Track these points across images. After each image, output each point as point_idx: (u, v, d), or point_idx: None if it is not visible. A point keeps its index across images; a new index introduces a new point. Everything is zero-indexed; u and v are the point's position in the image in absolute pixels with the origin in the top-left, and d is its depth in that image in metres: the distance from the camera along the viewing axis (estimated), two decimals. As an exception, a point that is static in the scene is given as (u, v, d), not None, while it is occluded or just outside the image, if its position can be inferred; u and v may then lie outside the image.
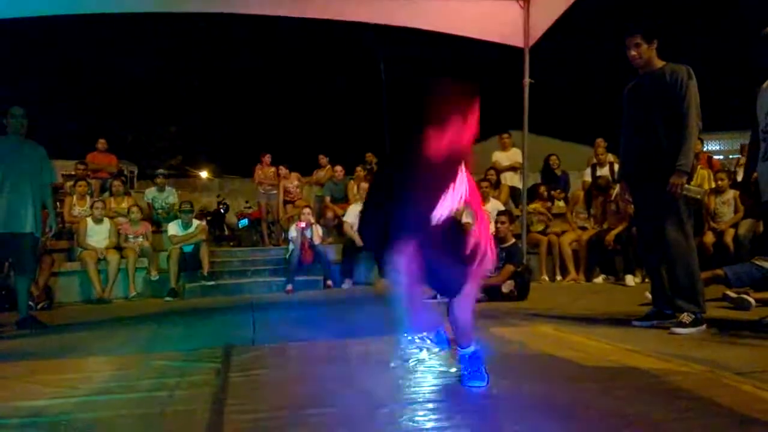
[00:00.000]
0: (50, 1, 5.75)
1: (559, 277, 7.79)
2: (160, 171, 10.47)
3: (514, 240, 6.25)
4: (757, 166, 3.89)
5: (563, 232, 8.04)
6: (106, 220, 7.88)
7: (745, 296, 4.73)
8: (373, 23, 6.57)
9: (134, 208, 8.19)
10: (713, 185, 7.66)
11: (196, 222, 8.20)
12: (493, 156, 9.58)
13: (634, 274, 7.13)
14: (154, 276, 7.75)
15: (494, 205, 7.65)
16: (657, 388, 2.42)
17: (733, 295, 4.75)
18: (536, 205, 8.45)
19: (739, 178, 7.66)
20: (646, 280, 5.68)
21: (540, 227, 8.25)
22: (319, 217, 9.33)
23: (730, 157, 16.85)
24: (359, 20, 6.47)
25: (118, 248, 7.74)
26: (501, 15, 6.36)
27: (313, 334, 4.20)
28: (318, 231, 8.19)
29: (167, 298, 7.24)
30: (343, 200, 9.68)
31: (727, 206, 7.32)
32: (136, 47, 31.79)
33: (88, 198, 8.58)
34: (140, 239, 7.96)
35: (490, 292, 5.78)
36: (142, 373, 3.02)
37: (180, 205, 8.40)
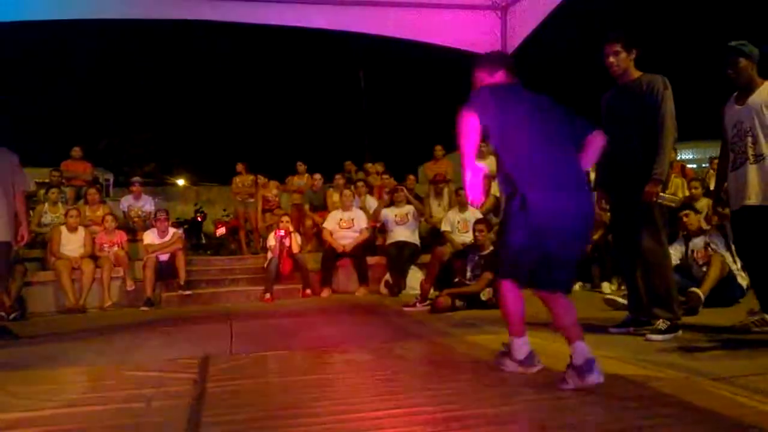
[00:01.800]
0: (33, 7, 5.67)
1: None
2: (136, 179, 10.34)
3: (492, 248, 6.28)
4: (727, 176, 3.94)
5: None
6: (81, 229, 7.75)
7: (691, 289, 4.90)
8: (351, 32, 6.60)
9: (109, 217, 8.07)
10: (687, 194, 7.77)
11: (172, 230, 8.09)
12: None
13: (610, 282, 7.19)
14: (130, 285, 7.64)
15: (473, 213, 7.68)
16: (634, 394, 2.44)
17: (682, 298, 4.80)
18: None
19: (712, 186, 7.78)
20: (623, 287, 5.74)
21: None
22: (298, 225, 9.28)
23: (703, 165, 17.14)
24: (339, 29, 6.48)
25: (93, 257, 7.62)
26: (478, 24, 6.42)
27: (291, 343, 4.18)
28: (297, 239, 8.14)
29: (143, 308, 7.13)
30: (322, 208, 9.65)
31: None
32: (111, 54, 31.53)
33: (60, 205, 8.44)
34: (115, 248, 7.85)
35: (469, 300, 5.80)
36: (118, 383, 2.98)
37: (156, 214, 8.29)
